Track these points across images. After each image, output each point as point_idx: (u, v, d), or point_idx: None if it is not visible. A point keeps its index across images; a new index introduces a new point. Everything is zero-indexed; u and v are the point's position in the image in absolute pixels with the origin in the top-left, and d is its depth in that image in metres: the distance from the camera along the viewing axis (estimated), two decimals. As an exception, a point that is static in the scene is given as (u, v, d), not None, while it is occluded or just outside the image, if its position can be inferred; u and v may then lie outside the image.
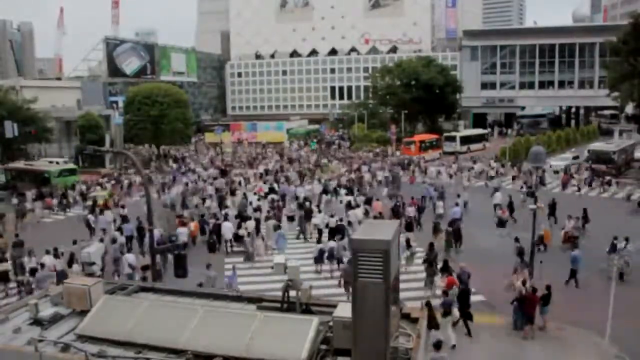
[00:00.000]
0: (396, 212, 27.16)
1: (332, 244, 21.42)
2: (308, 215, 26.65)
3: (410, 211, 27.19)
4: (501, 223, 25.96)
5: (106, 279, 16.24)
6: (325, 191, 32.91)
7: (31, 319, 7.53)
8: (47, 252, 20.67)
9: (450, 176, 41.66)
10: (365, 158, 50.45)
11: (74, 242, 22.31)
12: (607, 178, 37.68)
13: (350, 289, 18.30)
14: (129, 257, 20.27)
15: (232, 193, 33.41)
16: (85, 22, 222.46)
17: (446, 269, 18.37)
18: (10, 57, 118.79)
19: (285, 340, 6.35)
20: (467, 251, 22.46)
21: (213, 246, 23.90)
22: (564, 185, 37.20)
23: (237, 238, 24.52)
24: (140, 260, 20.09)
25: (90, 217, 28.03)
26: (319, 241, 22.66)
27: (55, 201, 34.69)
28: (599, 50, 71.79)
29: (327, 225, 24.73)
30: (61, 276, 18.20)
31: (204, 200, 31.46)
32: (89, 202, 33.00)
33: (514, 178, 39.76)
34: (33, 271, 19.60)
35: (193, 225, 25.76)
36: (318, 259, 20.86)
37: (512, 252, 19.88)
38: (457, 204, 27.75)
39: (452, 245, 22.72)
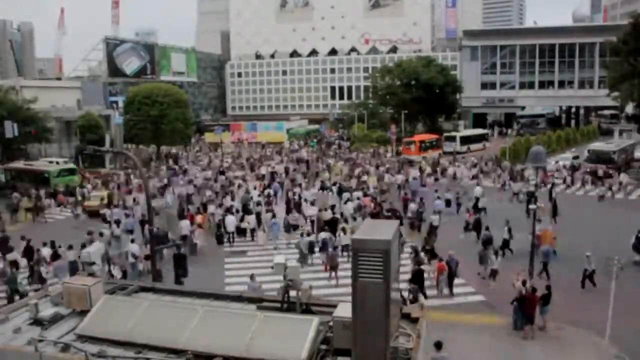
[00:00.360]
0: (381, 207, 28.12)
1: (323, 235, 22.33)
2: (297, 207, 28.33)
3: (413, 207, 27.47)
4: (467, 226, 25.33)
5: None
6: (322, 188, 34.32)
7: (31, 319, 7.52)
8: (44, 245, 21.51)
9: (473, 177, 40.40)
10: (381, 161, 49.20)
11: (89, 233, 23.20)
12: (586, 177, 38.22)
13: (335, 273, 19.41)
14: (133, 247, 20.94)
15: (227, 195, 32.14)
16: (85, 22, 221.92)
17: (434, 256, 19.49)
18: (10, 57, 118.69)
19: (285, 340, 6.35)
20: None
21: (221, 238, 25.06)
22: (542, 183, 37.29)
23: (240, 231, 25.84)
24: (144, 250, 20.63)
25: (107, 211, 29.23)
26: (309, 234, 23.47)
27: (72, 199, 35.72)
28: (599, 50, 71.84)
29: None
30: (73, 266, 19.19)
31: (205, 206, 30.21)
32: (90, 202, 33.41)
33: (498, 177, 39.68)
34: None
35: (200, 217, 26.73)
36: (309, 250, 21.57)
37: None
38: (439, 197, 29.43)
39: (434, 239, 22.90)
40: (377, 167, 44.11)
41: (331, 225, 24.29)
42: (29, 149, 50.50)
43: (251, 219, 26.21)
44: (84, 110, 57.30)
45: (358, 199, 29.53)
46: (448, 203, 30.04)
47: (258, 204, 29.18)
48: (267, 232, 25.16)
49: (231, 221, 25.56)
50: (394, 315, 6.17)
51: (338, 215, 26.24)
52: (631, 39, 46.05)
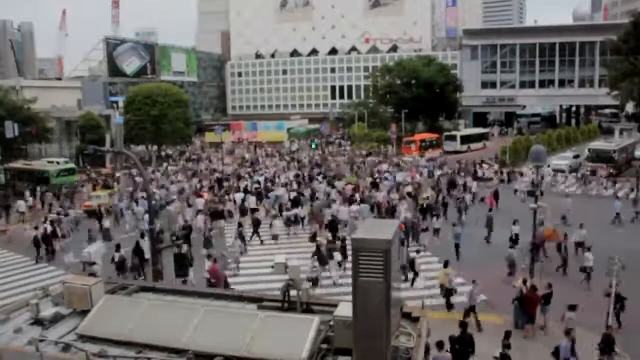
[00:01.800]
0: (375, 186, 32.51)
1: (295, 210, 27.78)
2: (259, 195, 32.88)
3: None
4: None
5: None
6: (310, 178, 38.33)
7: (32, 318, 7.52)
8: (45, 221, 23.84)
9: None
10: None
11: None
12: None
13: (319, 225, 24.95)
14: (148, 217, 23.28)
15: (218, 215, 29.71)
16: (85, 22, 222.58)
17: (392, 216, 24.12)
18: (10, 57, 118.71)
19: (286, 340, 6.34)
20: (472, 250, 22.43)
21: (244, 212, 28.73)
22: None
23: (243, 212, 29.23)
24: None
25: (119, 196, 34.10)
26: (287, 209, 28.47)
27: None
28: (600, 49, 71.77)
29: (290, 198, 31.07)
30: None
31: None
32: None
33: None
34: None
35: (205, 194, 32.13)
36: (287, 223, 26.85)
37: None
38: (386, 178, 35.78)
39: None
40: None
41: (296, 203, 29.34)
42: (29, 149, 50.60)
43: (252, 200, 31.05)
44: (84, 110, 57.38)
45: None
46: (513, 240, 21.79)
47: (257, 188, 34.84)
48: (266, 207, 30.32)
49: (239, 197, 31.23)
50: (395, 315, 6.16)
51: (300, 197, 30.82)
52: (631, 38, 45.98)
